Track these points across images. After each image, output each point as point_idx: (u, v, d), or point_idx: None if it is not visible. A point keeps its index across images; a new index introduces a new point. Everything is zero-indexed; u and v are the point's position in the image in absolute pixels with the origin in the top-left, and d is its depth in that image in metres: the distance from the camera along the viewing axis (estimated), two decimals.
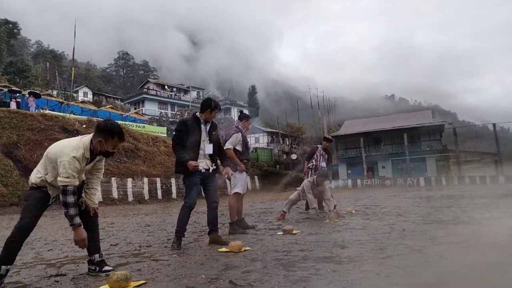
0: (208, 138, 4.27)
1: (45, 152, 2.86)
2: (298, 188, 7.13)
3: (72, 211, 2.68)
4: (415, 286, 2.29)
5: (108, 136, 2.79)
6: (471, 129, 49.96)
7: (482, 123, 54.18)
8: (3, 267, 2.60)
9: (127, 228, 6.68)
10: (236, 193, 5.27)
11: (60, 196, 2.68)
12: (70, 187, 2.66)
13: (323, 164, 7.99)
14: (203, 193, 4.28)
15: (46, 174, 2.80)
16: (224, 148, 5.21)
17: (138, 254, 3.87)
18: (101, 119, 2.89)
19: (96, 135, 2.80)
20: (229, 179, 5.17)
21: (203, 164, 4.16)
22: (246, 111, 57.26)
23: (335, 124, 52.14)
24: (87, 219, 3.03)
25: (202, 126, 4.27)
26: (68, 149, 2.71)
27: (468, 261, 2.82)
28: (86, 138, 2.84)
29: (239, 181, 5.23)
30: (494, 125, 33.06)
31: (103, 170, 3.16)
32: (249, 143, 5.55)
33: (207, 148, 4.24)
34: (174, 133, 4.26)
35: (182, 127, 4.21)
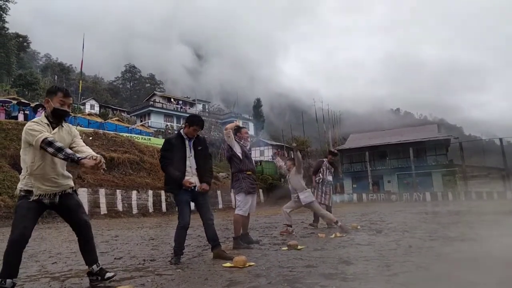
0: (193, 153, 4.29)
1: None
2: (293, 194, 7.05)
3: (67, 150, 2.72)
4: None
5: (51, 94, 2.93)
6: (477, 144, 49.52)
7: (489, 138, 53.78)
8: (8, 280, 2.61)
9: (131, 241, 6.66)
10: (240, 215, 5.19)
11: (50, 150, 2.69)
12: (47, 139, 2.70)
13: (330, 177, 8.05)
14: (196, 210, 4.28)
15: (27, 167, 2.85)
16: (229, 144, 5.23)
17: (142, 268, 3.86)
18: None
19: (45, 99, 2.96)
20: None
21: (192, 180, 4.15)
22: (251, 124, 57.29)
23: (340, 138, 52.03)
24: (81, 232, 3.05)
25: (186, 142, 4.28)
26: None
27: (476, 280, 2.77)
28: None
29: (242, 203, 5.15)
30: (501, 139, 32.82)
31: (81, 140, 3.14)
32: (250, 154, 5.48)
33: (193, 163, 4.26)
34: (160, 153, 4.35)
35: (167, 145, 4.27)
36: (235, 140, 5.31)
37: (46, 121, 2.92)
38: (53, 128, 2.93)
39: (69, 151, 2.74)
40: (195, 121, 4.32)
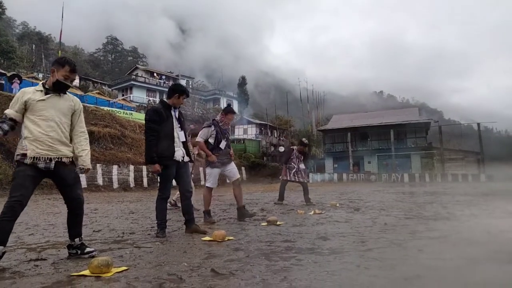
0: (179, 125, 4.23)
1: None
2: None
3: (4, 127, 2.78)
4: (394, 278, 2.33)
5: (59, 65, 2.95)
6: (456, 128, 50.81)
7: (467, 122, 55.09)
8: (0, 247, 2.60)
9: (111, 214, 6.63)
10: (207, 187, 5.36)
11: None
12: (5, 114, 2.84)
13: (302, 165, 8.20)
14: (175, 182, 4.26)
15: (22, 132, 2.87)
16: (196, 140, 5.42)
17: (120, 240, 3.85)
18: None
19: (51, 68, 2.97)
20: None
21: (180, 152, 4.12)
22: (235, 102, 56.94)
23: (324, 118, 52.40)
24: (74, 207, 3.03)
25: (172, 112, 4.18)
26: None
27: (446, 256, 2.89)
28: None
29: (210, 176, 5.29)
30: (478, 124, 33.67)
31: (84, 129, 3.14)
32: (222, 138, 5.41)
33: (181, 135, 4.20)
34: (147, 123, 4.05)
35: (156, 116, 4.02)
36: (213, 124, 5.39)
37: (41, 88, 2.92)
38: (47, 93, 2.91)
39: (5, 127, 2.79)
40: (184, 91, 4.26)
